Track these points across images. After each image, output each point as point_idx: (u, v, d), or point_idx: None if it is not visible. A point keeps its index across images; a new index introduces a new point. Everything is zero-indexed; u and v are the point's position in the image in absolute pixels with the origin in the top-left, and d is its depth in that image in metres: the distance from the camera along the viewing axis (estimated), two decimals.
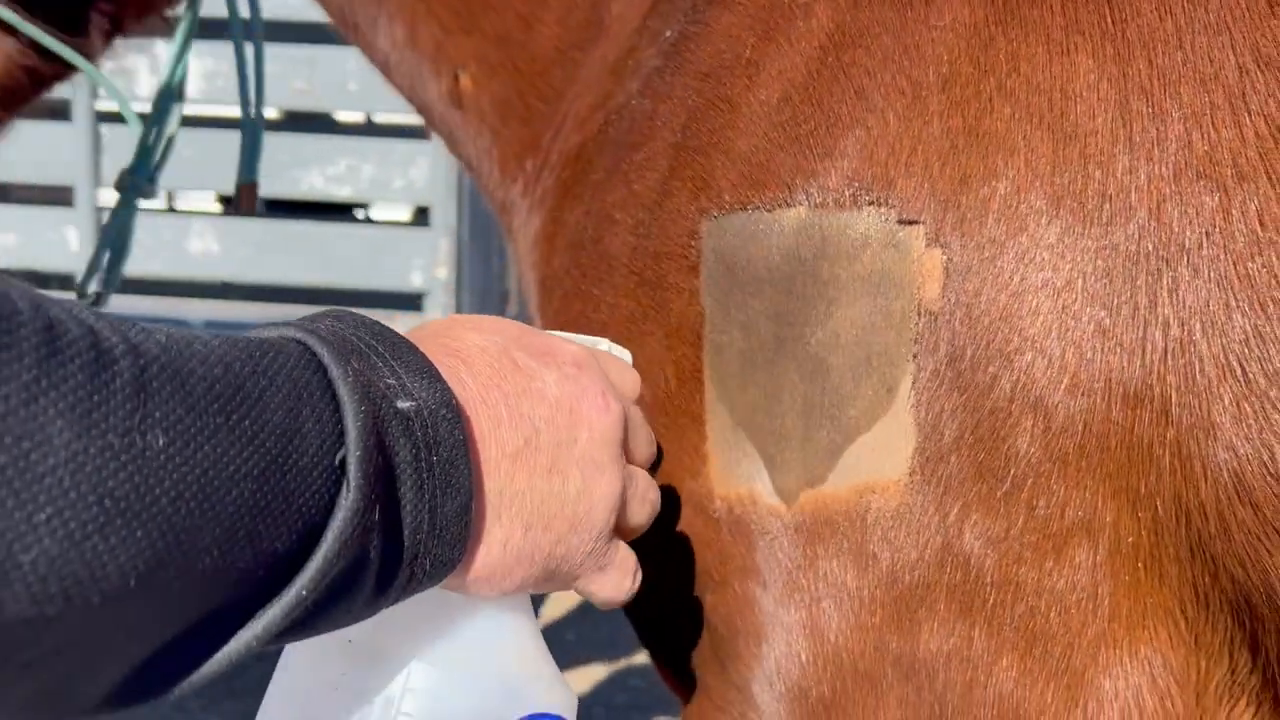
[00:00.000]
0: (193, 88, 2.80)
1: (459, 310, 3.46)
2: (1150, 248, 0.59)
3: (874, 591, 0.64)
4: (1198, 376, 0.58)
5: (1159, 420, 0.59)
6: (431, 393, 0.49)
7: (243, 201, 1.06)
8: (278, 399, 0.43)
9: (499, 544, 0.52)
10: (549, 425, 0.54)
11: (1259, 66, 0.59)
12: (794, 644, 0.67)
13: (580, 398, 0.56)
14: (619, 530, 0.59)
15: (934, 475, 0.63)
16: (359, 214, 3.68)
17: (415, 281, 3.42)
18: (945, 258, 0.62)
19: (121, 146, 1.13)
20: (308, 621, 0.45)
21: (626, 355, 0.67)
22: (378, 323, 0.52)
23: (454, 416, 0.49)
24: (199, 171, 2.92)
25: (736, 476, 0.67)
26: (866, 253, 0.63)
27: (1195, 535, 0.60)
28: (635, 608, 0.77)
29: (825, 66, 0.67)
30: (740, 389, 0.67)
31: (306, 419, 0.44)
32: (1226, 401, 0.58)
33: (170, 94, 1.00)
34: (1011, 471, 0.61)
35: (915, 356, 0.62)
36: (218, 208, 3.39)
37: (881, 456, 0.63)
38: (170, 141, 1.06)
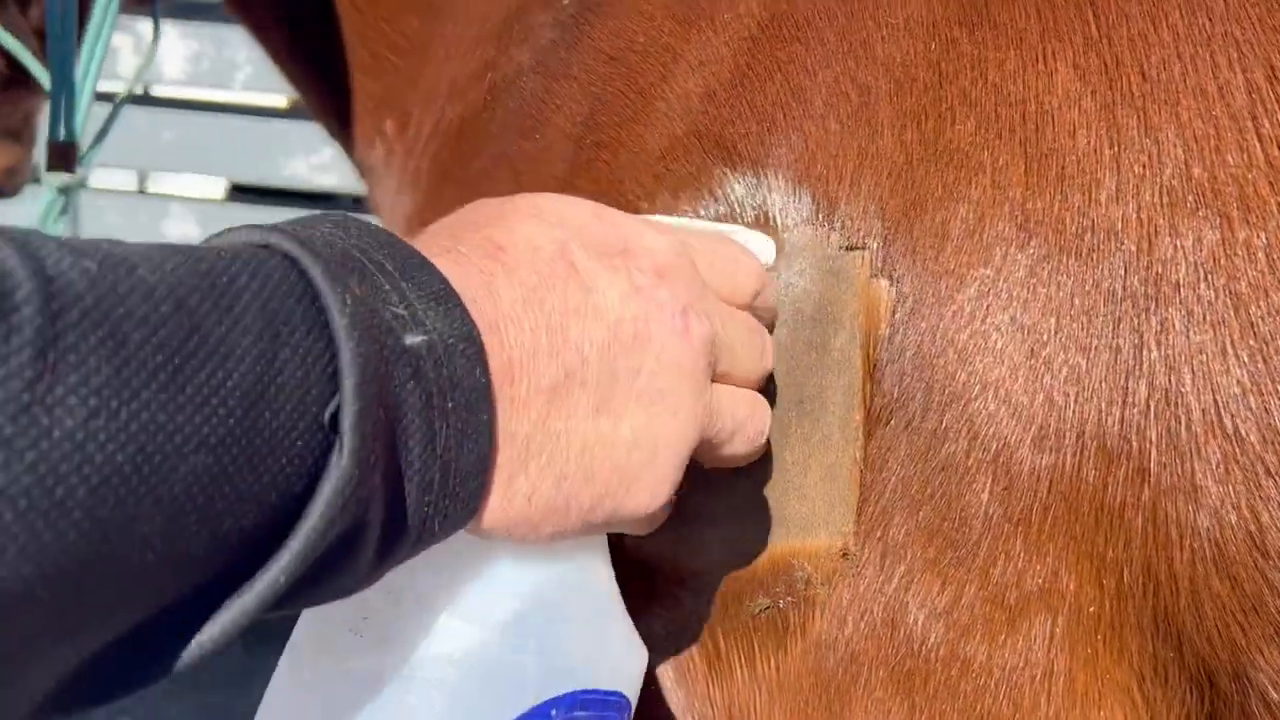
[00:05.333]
0: (175, 70, 2.76)
1: None
2: (1138, 285, 0.52)
3: (799, 669, 0.56)
4: (1183, 433, 0.51)
5: (1134, 480, 0.52)
6: (449, 322, 0.39)
7: (54, 163, 0.93)
8: (246, 341, 0.34)
9: (522, 497, 0.43)
10: (601, 353, 0.44)
11: (1271, 84, 0.52)
12: None
13: (651, 316, 0.45)
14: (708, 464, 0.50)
15: (875, 537, 0.54)
16: (345, 204, 3.64)
17: None
18: (894, 290, 0.54)
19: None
20: (288, 604, 0.37)
21: (765, 245, 0.55)
22: (386, 232, 0.42)
23: (475, 351, 0.40)
24: (177, 155, 2.88)
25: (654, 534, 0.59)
26: (802, 281, 0.55)
27: (1162, 607, 0.53)
28: None
29: (757, 61, 0.59)
30: None
31: (285, 363, 0.35)
32: (1214, 462, 0.51)
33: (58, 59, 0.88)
34: (965, 535, 0.53)
35: (856, 403, 0.54)
36: (196, 192, 3.35)
37: (812, 515, 0.55)
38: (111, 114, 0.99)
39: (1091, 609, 0.53)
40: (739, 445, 0.51)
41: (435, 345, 0.39)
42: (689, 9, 0.62)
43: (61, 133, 0.90)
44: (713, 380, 0.49)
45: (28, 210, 0.95)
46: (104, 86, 0.97)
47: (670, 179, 0.59)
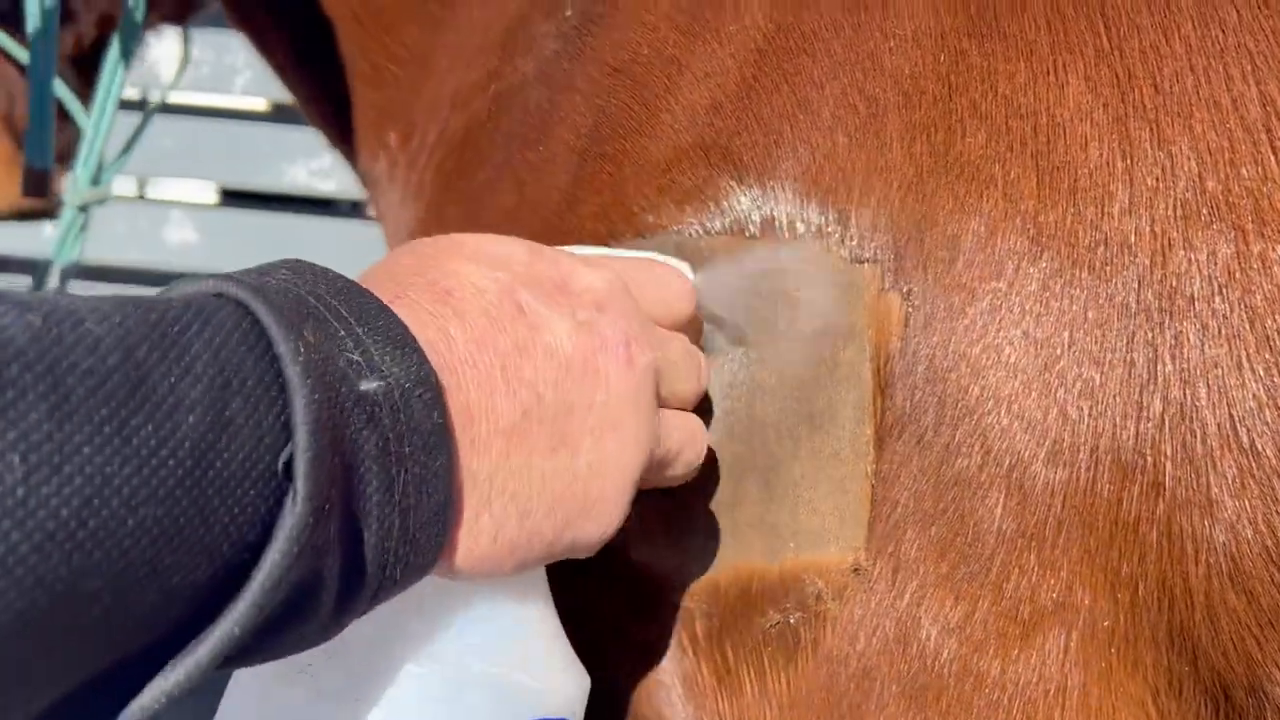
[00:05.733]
0: (174, 75, 2.74)
1: None
2: (1151, 298, 0.51)
3: (809, 687, 0.56)
4: (1198, 447, 0.51)
5: (1149, 494, 0.52)
6: (405, 367, 0.39)
7: (29, 189, 0.93)
8: (196, 391, 0.33)
9: (488, 536, 0.43)
10: (555, 390, 0.45)
11: None
12: None
13: (598, 350, 0.46)
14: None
15: (887, 552, 0.54)
16: (344, 209, 3.63)
17: None
18: (905, 303, 0.54)
19: None
20: (245, 658, 0.37)
21: (682, 266, 0.56)
22: (343, 277, 0.42)
23: (432, 395, 0.40)
24: (177, 161, 2.87)
25: (651, 545, 0.58)
26: (809, 292, 0.55)
27: (1178, 621, 0.52)
28: None
29: (763, 73, 0.58)
30: None
31: (237, 412, 0.34)
32: (1229, 477, 0.50)
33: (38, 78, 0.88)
34: (978, 550, 0.53)
35: (867, 417, 0.54)
36: (197, 198, 3.34)
37: (823, 530, 0.54)
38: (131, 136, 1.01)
39: (1106, 623, 0.53)
40: (679, 468, 0.52)
41: (392, 390, 0.39)
42: (693, 20, 0.62)
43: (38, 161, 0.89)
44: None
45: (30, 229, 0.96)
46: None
47: (675, 191, 0.59)
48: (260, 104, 3.35)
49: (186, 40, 1.07)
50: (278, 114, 3.53)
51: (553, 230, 0.63)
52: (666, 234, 0.58)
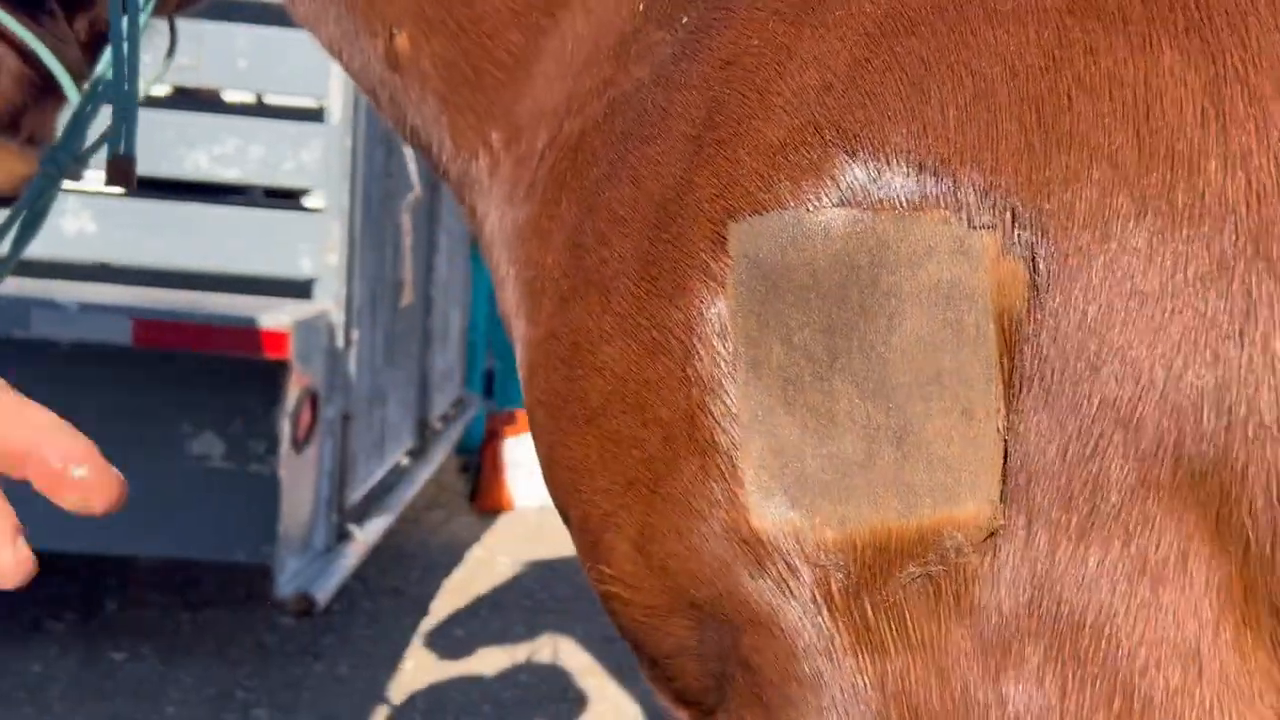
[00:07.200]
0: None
1: (349, 299, 3.37)
2: (1250, 249, 0.55)
3: (953, 638, 0.58)
4: None
5: (1257, 440, 0.55)
6: None
7: (114, 178, 0.96)
8: None
9: None
10: None
11: None
12: (861, 699, 0.60)
13: None
14: None
15: (1019, 505, 0.57)
16: (246, 196, 3.55)
17: (305, 268, 3.28)
18: (1026, 268, 0.57)
19: None
20: None
21: None
22: None
23: None
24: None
25: (775, 507, 0.61)
26: (932, 261, 0.58)
27: None
28: (647, 642, 0.71)
29: (874, 54, 0.61)
30: (783, 409, 0.60)
31: None
32: None
33: (120, 75, 0.90)
34: (1103, 499, 0.56)
35: (995, 375, 0.57)
36: (95, 186, 3.22)
37: (958, 486, 0.58)
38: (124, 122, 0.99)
39: (1223, 575, 0.56)
40: None
41: None
42: (800, 10, 0.65)
43: (122, 147, 0.90)
44: None
45: None
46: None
47: (789, 168, 0.61)
48: (162, 89, 3.24)
49: (173, 32, 1.04)
50: (179, 99, 3.43)
51: (669, 216, 0.66)
52: (784, 211, 0.61)
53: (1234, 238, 0.55)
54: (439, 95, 0.90)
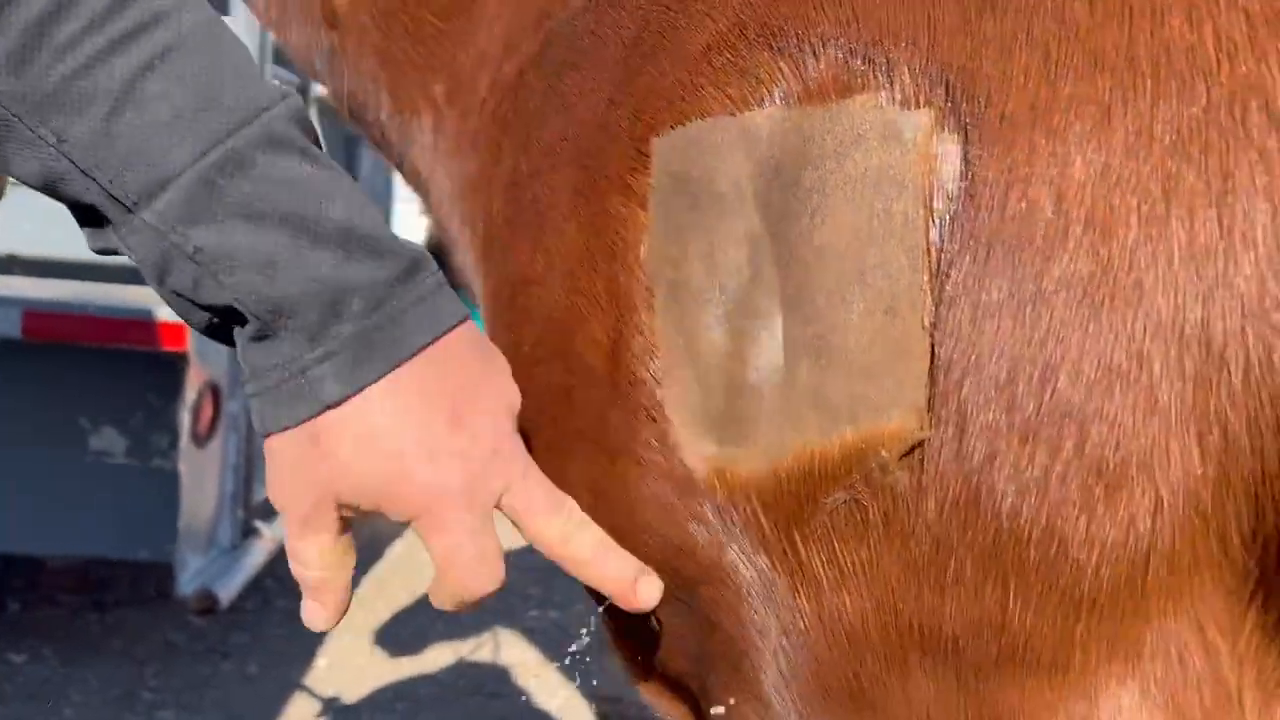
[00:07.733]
0: None
1: None
2: (1221, 109, 0.48)
3: (886, 561, 0.53)
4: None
5: (1230, 315, 0.48)
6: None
7: None
8: None
9: None
10: None
11: None
12: (804, 635, 0.56)
13: None
14: None
15: (951, 410, 0.51)
16: None
17: None
18: (959, 143, 0.51)
19: None
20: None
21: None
22: None
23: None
24: None
25: (703, 444, 0.56)
26: (859, 150, 0.52)
27: (1259, 466, 0.49)
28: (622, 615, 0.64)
29: None
30: (704, 335, 0.55)
31: None
32: None
33: None
34: (1056, 396, 0.49)
35: (921, 264, 0.51)
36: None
37: (881, 395, 0.51)
38: None
39: (1197, 473, 0.49)
40: None
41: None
42: None
43: None
44: None
45: None
46: None
47: (712, 73, 0.57)
48: None
49: None
50: None
51: (595, 143, 0.61)
52: (706, 120, 0.56)
53: (1205, 96, 0.49)
54: (378, 50, 0.86)
